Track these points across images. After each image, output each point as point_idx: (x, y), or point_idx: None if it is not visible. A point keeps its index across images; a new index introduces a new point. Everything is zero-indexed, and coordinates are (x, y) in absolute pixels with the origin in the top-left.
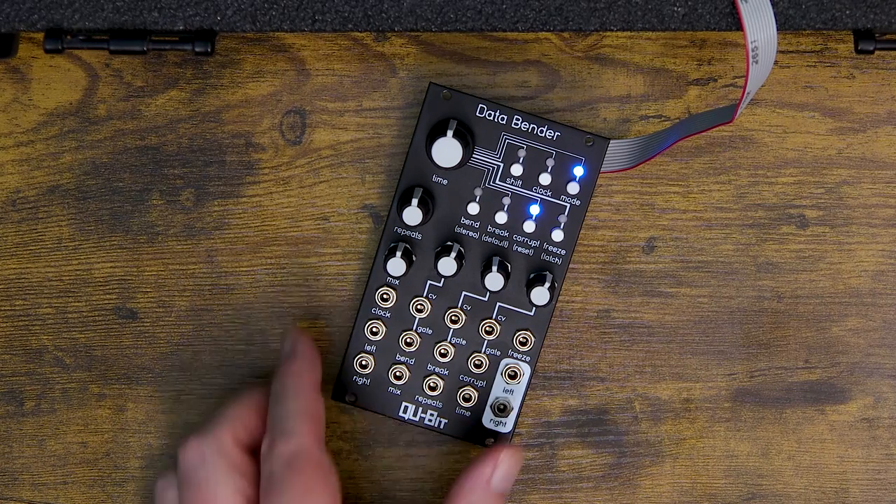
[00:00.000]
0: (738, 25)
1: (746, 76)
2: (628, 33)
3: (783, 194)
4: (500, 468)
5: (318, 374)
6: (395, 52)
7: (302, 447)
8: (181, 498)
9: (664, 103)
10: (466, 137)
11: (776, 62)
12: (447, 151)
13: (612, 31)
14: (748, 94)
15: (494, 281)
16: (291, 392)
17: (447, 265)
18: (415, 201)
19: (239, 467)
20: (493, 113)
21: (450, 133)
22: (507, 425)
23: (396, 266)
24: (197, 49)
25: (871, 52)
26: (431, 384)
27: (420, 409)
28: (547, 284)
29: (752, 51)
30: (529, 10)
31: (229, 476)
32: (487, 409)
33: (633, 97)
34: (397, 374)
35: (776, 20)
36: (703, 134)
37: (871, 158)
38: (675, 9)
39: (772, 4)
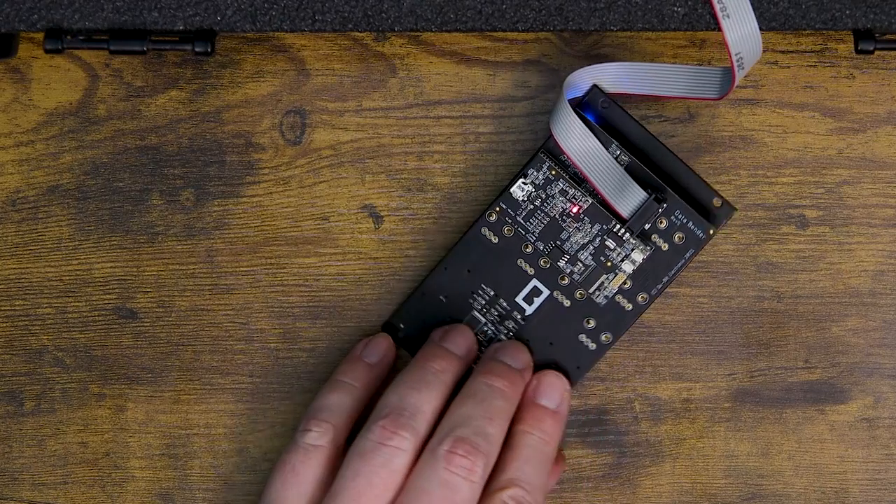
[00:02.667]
0: None
1: (733, 82)
2: (628, 33)
3: (783, 194)
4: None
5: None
6: (395, 52)
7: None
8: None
9: (664, 103)
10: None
11: (776, 62)
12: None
13: (612, 31)
14: (740, 67)
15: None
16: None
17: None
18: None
19: None
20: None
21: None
22: None
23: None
24: (197, 49)
25: (871, 52)
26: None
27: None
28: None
29: (737, 59)
30: (529, 10)
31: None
32: None
33: (633, 97)
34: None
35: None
36: (703, 134)
37: (871, 158)
38: (675, 9)
39: (772, 4)
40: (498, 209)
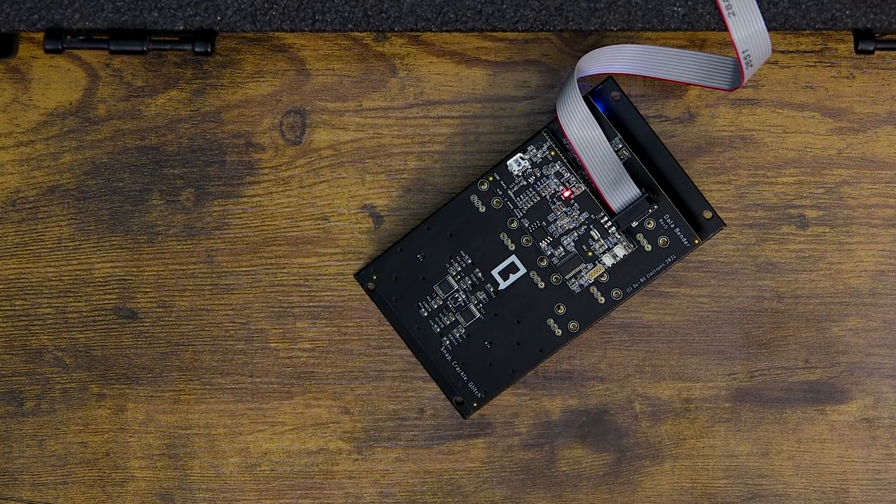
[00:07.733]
0: None
1: (742, 77)
2: (628, 33)
3: (783, 194)
4: None
5: None
6: (395, 52)
7: None
8: None
9: (664, 103)
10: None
11: (776, 62)
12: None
13: (612, 31)
14: (751, 66)
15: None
16: None
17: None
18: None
19: None
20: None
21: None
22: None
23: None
24: (197, 49)
25: (871, 52)
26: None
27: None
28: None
29: (745, 57)
30: (529, 10)
31: None
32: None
33: (633, 97)
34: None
35: (768, 22)
36: (703, 134)
37: (871, 158)
38: (675, 9)
39: (772, 4)
40: (491, 179)
